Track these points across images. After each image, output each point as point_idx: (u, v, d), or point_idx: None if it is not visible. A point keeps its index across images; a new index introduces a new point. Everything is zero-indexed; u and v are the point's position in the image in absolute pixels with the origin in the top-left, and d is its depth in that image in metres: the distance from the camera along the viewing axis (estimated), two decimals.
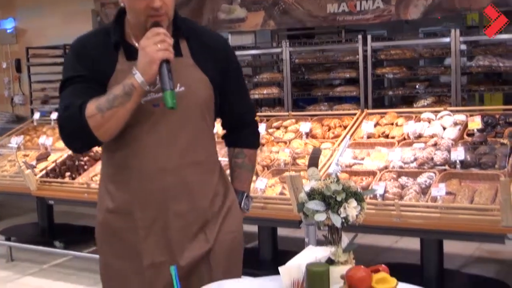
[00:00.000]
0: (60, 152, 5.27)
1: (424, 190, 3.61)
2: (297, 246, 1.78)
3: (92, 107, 1.85)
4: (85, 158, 5.05)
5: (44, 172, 5.02)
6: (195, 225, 2.01)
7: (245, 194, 2.22)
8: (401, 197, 3.60)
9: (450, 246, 4.33)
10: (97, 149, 5.20)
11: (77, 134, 1.91)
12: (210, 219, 2.04)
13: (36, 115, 6.35)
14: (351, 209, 1.80)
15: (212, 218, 2.05)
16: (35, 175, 4.97)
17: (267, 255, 4.48)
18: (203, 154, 2.05)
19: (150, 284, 1.98)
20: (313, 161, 3.75)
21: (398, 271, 1.67)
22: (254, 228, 4.52)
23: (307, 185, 1.87)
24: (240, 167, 2.23)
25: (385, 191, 3.61)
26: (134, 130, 1.94)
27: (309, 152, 3.94)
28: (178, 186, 1.98)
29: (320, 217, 1.78)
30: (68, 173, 4.93)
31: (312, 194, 1.82)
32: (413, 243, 4.93)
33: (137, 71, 1.84)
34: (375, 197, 3.58)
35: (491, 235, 3.34)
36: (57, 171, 4.99)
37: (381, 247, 5.08)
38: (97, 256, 5.03)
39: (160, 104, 1.90)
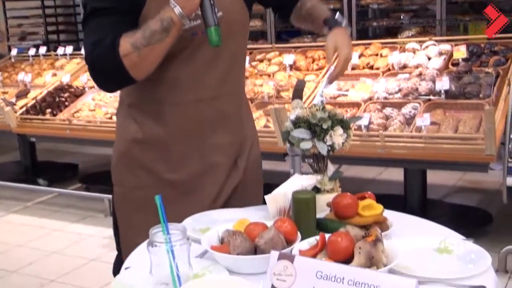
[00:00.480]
0: (40, 89, 5.17)
1: (409, 121, 3.60)
2: (282, 180, 1.76)
3: (126, 44, 1.68)
4: (66, 94, 4.97)
5: (24, 109, 4.94)
6: (231, 157, 1.95)
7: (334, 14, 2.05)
8: (385, 128, 3.59)
9: (433, 177, 4.37)
10: (78, 84, 5.12)
11: (111, 75, 1.74)
12: (242, 152, 1.98)
13: (14, 52, 6.21)
14: (337, 137, 1.77)
15: (244, 150, 1.99)
16: (15, 112, 4.89)
17: None
18: (238, 85, 1.97)
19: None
20: (297, 93, 3.70)
21: (382, 201, 1.65)
22: None
23: (292, 114, 1.83)
24: (314, 5, 2.09)
25: (370, 122, 3.59)
26: (168, 60, 1.77)
27: (293, 85, 3.88)
28: (215, 118, 1.89)
29: (306, 145, 1.75)
30: (48, 110, 4.85)
31: (298, 122, 1.79)
32: (397, 175, 4.98)
33: (176, 3, 1.66)
34: (359, 128, 3.56)
35: (474, 164, 3.37)
36: (38, 108, 4.90)
37: (365, 179, 5.12)
38: (81, 192, 5.05)
39: (198, 32, 1.75)
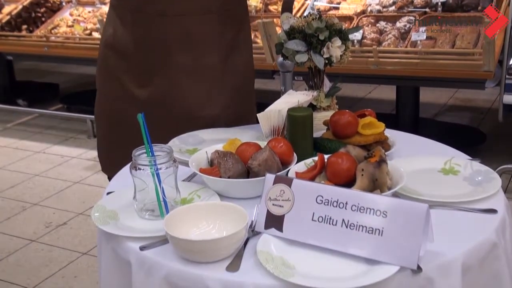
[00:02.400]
0: (15, 4, 4.90)
1: (404, 35, 3.44)
2: (270, 99, 1.62)
3: None
4: (42, 10, 4.72)
5: None
6: (202, 82, 1.78)
7: None
8: (379, 42, 3.43)
9: (424, 96, 4.26)
10: None
11: None
12: (220, 77, 1.80)
13: None
14: (335, 49, 1.62)
15: (224, 75, 1.81)
16: None
17: None
18: (213, 5, 1.74)
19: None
20: (287, 5, 3.53)
21: None
22: None
23: (286, 24, 1.67)
24: None
25: (363, 37, 3.43)
26: None
27: None
28: (180, 37, 1.73)
29: (302, 58, 1.61)
30: (24, 26, 4.62)
31: (292, 33, 1.64)
32: (387, 94, 4.86)
33: None
34: (352, 43, 3.40)
35: (471, 81, 3.24)
36: (13, 24, 4.67)
37: (354, 97, 5.00)
38: (63, 113, 4.91)
39: None
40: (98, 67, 1.89)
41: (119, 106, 1.81)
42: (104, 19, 4.04)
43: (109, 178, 1.81)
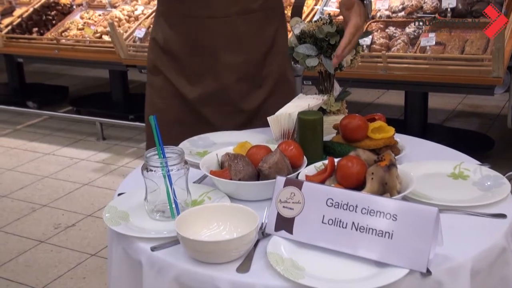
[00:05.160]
0: (26, 7, 4.95)
1: (413, 41, 3.45)
2: None
3: None
4: (53, 13, 4.76)
5: (10, 28, 4.73)
6: (246, 78, 1.86)
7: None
8: (388, 48, 3.44)
9: (433, 102, 4.26)
10: (65, 1, 4.90)
11: None
12: (262, 71, 1.88)
13: None
14: None
15: (264, 69, 1.88)
16: (0, 31, 4.68)
17: None
18: (253, 5, 1.82)
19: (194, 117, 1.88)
20: (297, 10, 3.54)
21: None
22: None
23: (297, 28, 1.69)
24: None
25: (372, 42, 3.44)
26: None
27: (292, 1, 3.70)
28: (228, 37, 1.81)
29: (312, 62, 1.62)
30: (35, 29, 4.65)
31: (303, 37, 1.65)
32: (395, 99, 4.86)
33: None
34: (361, 48, 3.40)
35: (480, 86, 3.24)
36: (24, 27, 4.70)
37: (362, 103, 5.00)
38: (73, 115, 4.94)
39: None
40: (148, 69, 1.97)
41: (169, 106, 1.89)
42: (115, 22, 4.07)
43: None
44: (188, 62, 1.85)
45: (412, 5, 3.62)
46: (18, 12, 4.95)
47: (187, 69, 1.86)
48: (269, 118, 1.53)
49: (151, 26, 4.39)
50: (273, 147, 1.43)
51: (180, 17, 1.83)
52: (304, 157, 1.42)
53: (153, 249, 1.17)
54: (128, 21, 4.46)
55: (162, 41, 1.88)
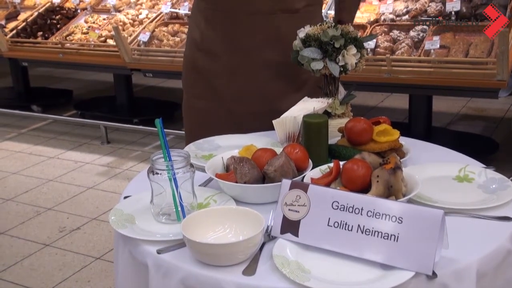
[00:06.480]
0: (30, 11, 4.97)
1: (417, 44, 3.45)
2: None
3: None
4: (57, 17, 4.77)
5: (14, 32, 4.74)
6: (283, 77, 1.87)
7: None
8: (392, 51, 3.44)
9: (437, 105, 4.26)
10: (70, 5, 4.92)
11: None
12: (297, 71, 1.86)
13: None
14: (350, 57, 1.64)
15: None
16: (5, 35, 4.70)
17: None
18: (298, 4, 1.84)
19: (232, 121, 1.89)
20: None
21: None
22: None
23: (302, 31, 1.69)
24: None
25: (376, 46, 3.44)
26: None
27: None
28: (268, 35, 1.82)
29: (317, 65, 1.63)
30: (40, 33, 4.66)
31: (308, 41, 1.65)
32: (399, 102, 4.86)
33: None
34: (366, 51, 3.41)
35: (484, 90, 3.24)
36: (29, 31, 4.71)
37: (366, 106, 5.00)
38: (77, 119, 4.95)
39: None
40: (185, 68, 1.99)
41: (206, 104, 1.91)
42: (119, 26, 4.07)
43: None
44: (225, 59, 1.86)
45: (416, 8, 3.62)
46: (22, 16, 4.96)
47: (224, 67, 1.86)
48: (274, 121, 1.53)
49: (156, 29, 4.40)
50: (278, 150, 1.43)
51: (219, 13, 1.84)
52: (310, 160, 1.42)
53: (159, 252, 1.17)
54: (133, 25, 4.48)
55: (199, 39, 1.89)
